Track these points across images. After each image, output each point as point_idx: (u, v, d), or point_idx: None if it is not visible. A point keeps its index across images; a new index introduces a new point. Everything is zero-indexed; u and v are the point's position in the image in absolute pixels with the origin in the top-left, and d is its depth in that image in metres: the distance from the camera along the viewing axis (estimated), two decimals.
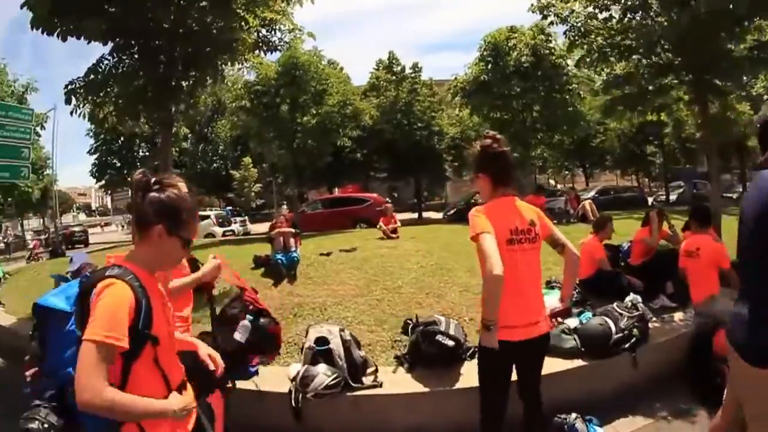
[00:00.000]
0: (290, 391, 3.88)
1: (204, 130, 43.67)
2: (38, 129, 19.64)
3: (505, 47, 19.88)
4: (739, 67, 8.88)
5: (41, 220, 52.06)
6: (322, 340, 4.14)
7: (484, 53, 20.41)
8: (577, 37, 9.76)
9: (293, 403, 3.81)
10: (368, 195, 20.96)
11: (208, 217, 25.86)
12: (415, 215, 31.98)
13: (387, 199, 18.67)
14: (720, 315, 4.11)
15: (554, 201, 19.72)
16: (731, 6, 7.55)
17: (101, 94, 8.26)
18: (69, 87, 8.10)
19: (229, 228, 26.13)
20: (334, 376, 3.84)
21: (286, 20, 9.30)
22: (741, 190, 25.28)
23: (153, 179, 1.82)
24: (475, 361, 2.91)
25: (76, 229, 34.01)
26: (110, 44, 8.08)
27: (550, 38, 20.08)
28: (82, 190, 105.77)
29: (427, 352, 4.13)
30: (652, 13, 9.18)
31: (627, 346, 4.34)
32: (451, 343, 4.11)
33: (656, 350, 4.57)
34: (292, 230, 7.68)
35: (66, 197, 68.40)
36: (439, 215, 28.18)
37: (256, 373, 4.28)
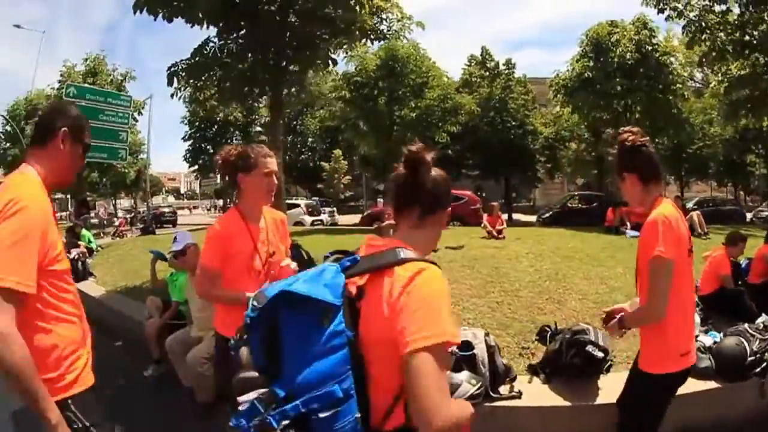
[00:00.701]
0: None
1: (293, 123, 44.97)
2: (135, 115, 21.61)
3: (607, 42, 19.54)
4: None
5: (133, 200, 53.70)
6: (466, 345, 3.76)
7: (586, 49, 20.20)
8: (696, 33, 9.84)
9: None
10: (463, 192, 20.40)
11: (298, 205, 26.66)
12: (504, 216, 31.49)
13: (498, 199, 18.56)
14: None
15: None
16: None
17: (204, 77, 8.43)
18: (172, 69, 8.22)
19: (318, 218, 26.62)
20: (479, 384, 3.48)
21: (394, 8, 9.48)
22: None
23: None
24: (612, 375, 2.96)
25: (166, 210, 35.67)
26: (212, 28, 8.12)
27: (654, 33, 19.55)
28: (172, 175, 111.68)
29: (570, 363, 3.79)
30: None
31: (758, 370, 3.94)
32: (600, 354, 3.79)
33: None
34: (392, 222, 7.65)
35: (157, 181, 72.80)
36: (529, 218, 26.77)
37: None
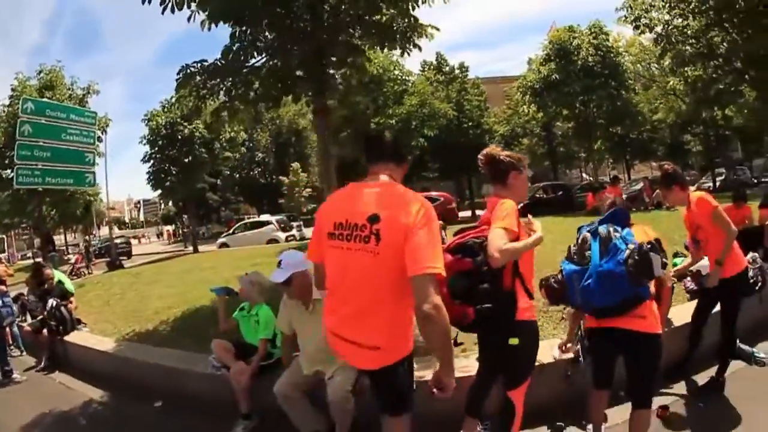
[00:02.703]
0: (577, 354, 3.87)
1: (244, 139, 41.29)
2: (100, 134, 18.12)
3: (569, 47, 21.72)
4: None
5: (74, 234, 51.63)
6: None
7: (550, 53, 22.27)
8: (667, 45, 11.98)
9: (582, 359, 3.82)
10: (439, 194, 21.21)
11: (269, 223, 25.78)
12: (468, 213, 31.96)
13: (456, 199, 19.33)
14: None
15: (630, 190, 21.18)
16: None
17: (232, 80, 6.72)
18: (186, 70, 6.44)
19: (290, 233, 25.33)
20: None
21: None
22: None
23: None
24: None
25: (118, 241, 33.00)
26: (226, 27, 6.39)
27: (607, 36, 22.03)
28: (111, 204, 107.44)
29: None
30: (728, 28, 11.38)
31: (757, 288, 4.69)
32: None
33: None
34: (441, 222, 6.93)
35: (98, 211, 69.74)
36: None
37: None
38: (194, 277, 9.80)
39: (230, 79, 6.59)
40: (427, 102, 24.50)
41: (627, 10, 12.54)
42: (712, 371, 4.00)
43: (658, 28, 12.18)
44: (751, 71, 11.41)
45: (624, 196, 16.71)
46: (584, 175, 45.44)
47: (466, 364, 3.74)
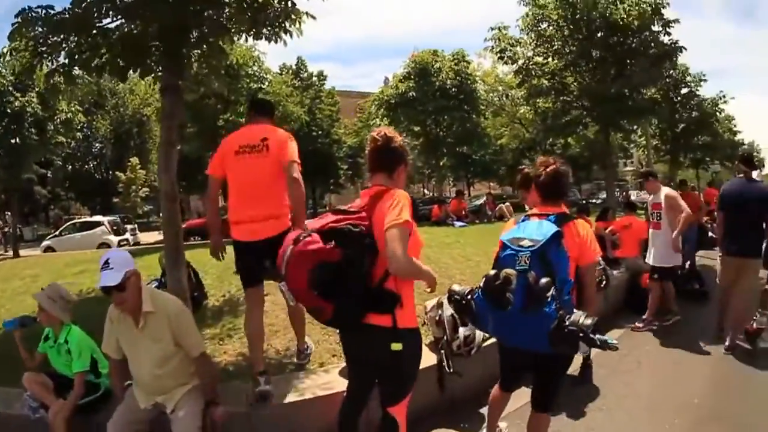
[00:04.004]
0: (441, 358, 3.98)
1: (81, 124, 35.73)
2: None
3: (431, 68, 22.27)
4: (641, 114, 13.19)
5: None
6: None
7: (411, 71, 22.63)
8: (525, 77, 12.60)
9: (447, 369, 3.94)
10: None
11: (100, 224, 22.90)
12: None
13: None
14: (644, 266, 6.73)
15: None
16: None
17: (77, 39, 5.36)
18: (26, 15, 5.10)
19: (123, 237, 23.04)
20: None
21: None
22: (604, 196, 31.27)
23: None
24: None
25: None
26: None
27: (468, 64, 22.94)
28: None
29: None
30: (582, 71, 12.46)
31: (602, 286, 6.00)
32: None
33: (613, 289, 6.93)
34: None
35: None
36: None
37: None
38: (11, 286, 8.04)
39: (75, 37, 5.36)
40: (282, 104, 23.11)
41: (495, 41, 13.02)
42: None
43: (521, 62, 12.63)
44: (596, 109, 12.26)
45: (468, 209, 18.16)
46: (425, 190, 47.77)
47: (329, 380, 3.56)
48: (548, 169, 2.98)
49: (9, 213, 25.23)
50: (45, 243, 22.58)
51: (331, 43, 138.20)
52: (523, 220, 2.92)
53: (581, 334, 2.39)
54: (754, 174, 5.85)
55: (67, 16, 5.15)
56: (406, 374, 2.51)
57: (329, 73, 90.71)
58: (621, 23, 11.37)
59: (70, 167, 39.30)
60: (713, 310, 6.24)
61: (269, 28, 5.84)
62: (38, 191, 38.83)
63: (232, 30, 6.03)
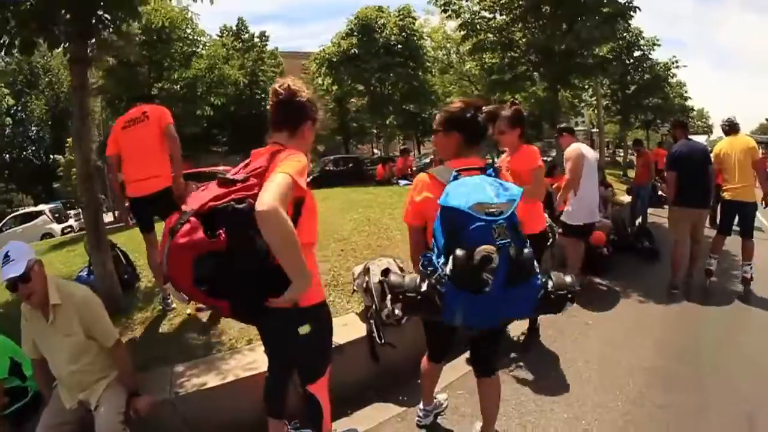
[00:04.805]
0: (371, 329, 3.80)
1: (13, 108, 33.30)
2: None
3: (375, 25, 21.32)
4: (590, 72, 12.94)
5: None
6: (387, 271, 3.97)
7: (354, 28, 21.62)
8: (469, 31, 12.03)
9: (378, 340, 3.74)
10: (219, 168, 18.14)
11: (41, 213, 21.42)
12: None
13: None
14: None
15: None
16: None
17: None
18: None
19: (67, 224, 21.57)
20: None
21: None
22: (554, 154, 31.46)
23: None
24: None
25: None
26: None
27: (414, 20, 22.09)
28: None
29: None
30: (530, 26, 11.96)
31: (548, 244, 5.79)
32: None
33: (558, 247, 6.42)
34: None
35: None
36: None
37: None
38: None
39: None
40: (216, 67, 21.80)
41: None
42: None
43: (466, 15, 12.07)
44: (543, 66, 12.09)
45: (414, 168, 17.69)
46: (375, 150, 47.20)
47: (254, 359, 3.46)
48: (484, 110, 2.60)
49: None
50: None
51: (278, 3, 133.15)
52: (455, 178, 2.32)
53: (569, 295, 2.21)
54: (701, 139, 6.09)
55: None
56: (318, 353, 2.40)
57: (276, 34, 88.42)
58: None
59: (7, 156, 35.87)
60: (663, 269, 6.45)
61: None
62: None
63: None
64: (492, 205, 2.08)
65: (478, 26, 12.03)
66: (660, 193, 12.67)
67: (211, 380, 3.26)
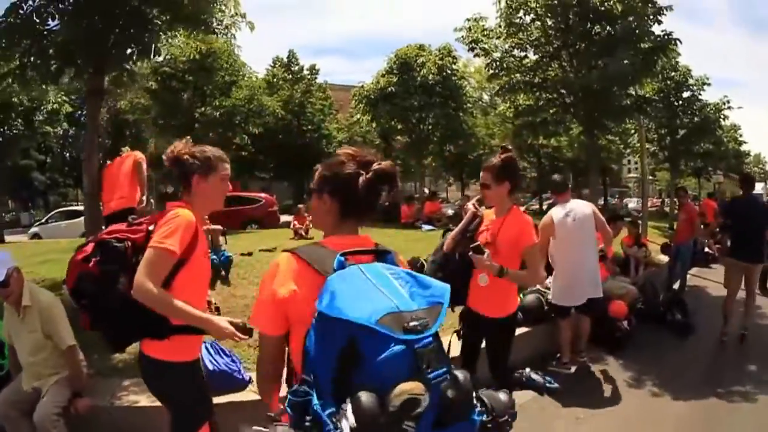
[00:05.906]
0: None
1: (78, 113, 34.35)
2: None
3: (414, 63, 21.04)
4: (625, 113, 11.81)
5: None
6: None
7: (393, 66, 21.43)
8: (497, 70, 11.33)
9: None
10: (260, 195, 19.45)
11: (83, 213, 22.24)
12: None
13: (285, 201, 18.50)
14: (614, 289, 6.12)
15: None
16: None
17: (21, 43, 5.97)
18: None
19: None
20: None
21: (230, 2, 7.71)
22: (603, 202, 29.69)
23: None
24: None
25: None
26: None
27: (455, 60, 21.66)
28: None
29: None
30: (564, 64, 11.11)
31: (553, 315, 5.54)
32: None
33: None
34: (221, 228, 7.00)
35: None
36: None
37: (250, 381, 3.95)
38: None
39: (25, 41, 5.90)
40: (255, 97, 22.31)
41: (465, 32, 11.75)
42: None
43: (496, 54, 11.45)
44: (574, 107, 11.35)
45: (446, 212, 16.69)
46: (424, 188, 46.65)
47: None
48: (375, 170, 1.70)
49: None
50: (33, 230, 22.34)
51: (342, 37, 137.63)
52: (340, 266, 1.44)
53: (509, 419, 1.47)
54: (759, 186, 5.39)
55: (13, 21, 5.66)
56: (176, 411, 2.38)
57: (336, 68, 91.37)
58: (602, 9, 10.04)
59: (68, 154, 40.02)
60: (691, 348, 6.02)
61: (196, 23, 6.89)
62: (36, 177, 39.24)
63: (160, 28, 6.67)
64: (411, 314, 1.26)
65: (505, 65, 11.31)
66: (706, 250, 11.26)
67: (144, 400, 3.58)
